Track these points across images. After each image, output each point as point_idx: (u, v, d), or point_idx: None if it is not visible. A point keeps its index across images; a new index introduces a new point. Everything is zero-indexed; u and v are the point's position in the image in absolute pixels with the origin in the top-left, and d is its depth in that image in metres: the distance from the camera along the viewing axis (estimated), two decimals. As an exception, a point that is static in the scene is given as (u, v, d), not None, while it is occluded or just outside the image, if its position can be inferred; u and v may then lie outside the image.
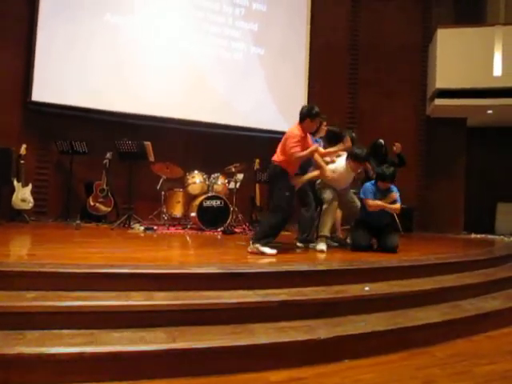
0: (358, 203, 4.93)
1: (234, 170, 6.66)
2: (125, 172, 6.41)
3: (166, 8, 7.55)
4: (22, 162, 6.20)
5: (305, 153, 4.32)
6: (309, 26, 8.76)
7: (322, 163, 4.51)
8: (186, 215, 6.65)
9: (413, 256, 4.58)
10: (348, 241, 5.15)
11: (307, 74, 8.70)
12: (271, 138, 7.71)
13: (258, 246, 4.14)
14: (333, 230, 5.21)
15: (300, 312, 2.82)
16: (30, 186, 6.22)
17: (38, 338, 2.23)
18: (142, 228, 5.85)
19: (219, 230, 6.21)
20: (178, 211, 6.62)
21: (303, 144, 4.36)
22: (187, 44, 7.69)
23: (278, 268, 3.37)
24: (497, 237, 8.28)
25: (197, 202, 6.26)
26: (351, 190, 5.16)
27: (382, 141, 6.39)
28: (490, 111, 8.52)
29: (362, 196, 4.86)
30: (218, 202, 6.31)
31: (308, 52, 8.74)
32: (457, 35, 8.32)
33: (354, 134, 5.05)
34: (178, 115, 7.50)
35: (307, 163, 4.68)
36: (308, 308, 2.87)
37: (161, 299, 2.65)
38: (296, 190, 4.45)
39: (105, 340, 2.26)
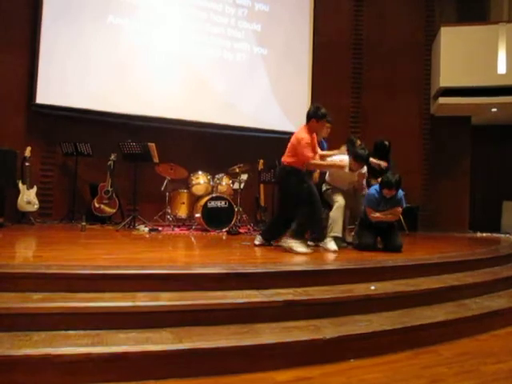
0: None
1: (238, 170, 6.67)
2: (129, 173, 6.43)
3: (169, 9, 7.57)
4: (26, 164, 6.22)
5: (320, 163, 4.51)
6: (312, 26, 8.76)
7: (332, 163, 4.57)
8: (190, 216, 6.66)
9: (418, 255, 4.57)
10: (352, 240, 5.15)
11: (311, 73, 8.70)
12: (275, 138, 7.75)
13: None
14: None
15: (305, 312, 2.82)
16: (35, 188, 6.25)
17: (45, 339, 2.24)
18: (147, 229, 5.87)
19: (224, 230, 6.22)
20: (182, 212, 6.63)
21: (312, 146, 4.40)
22: (190, 45, 7.70)
23: (284, 268, 3.37)
24: (502, 235, 8.25)
25: (201, 202, 6.27)
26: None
27: (387, 142, 6.22)
28: (494, 109, 8.48)
29: (365, 204, 4.80)
30: (223, 203, 6.32)
31: (311, 51, 8.73)
32: (460, 33, 8.29)
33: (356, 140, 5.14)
34: (182, 116, 7.51)
35: None
36: (313, 308, 2.87)
37: (167, 300, 2.65)
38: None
39: (111, 341, 2.27)
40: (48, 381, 2.07)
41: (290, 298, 2.87)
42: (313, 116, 4.41)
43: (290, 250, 4.25)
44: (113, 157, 6.61)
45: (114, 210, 6.65)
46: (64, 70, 6.80)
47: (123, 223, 6.08)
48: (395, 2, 9.12)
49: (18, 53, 6.71)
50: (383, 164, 5.69)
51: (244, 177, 6.83)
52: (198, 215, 6.32)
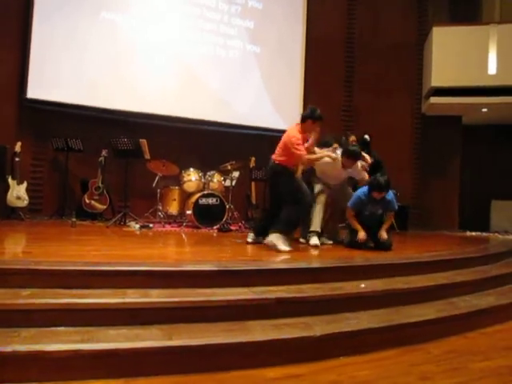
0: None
1: (229, 167, 6.66)
2: (120, 169, 6.39)
3: (162, 5, 7.53)
4: (16, 159, 6.16)
5: (314, 156, 4.53)
6: (305, 24, 8.76)
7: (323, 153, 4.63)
8: (181, 213, 6.64)
9: (408, 254, 4.60)
10: (343, 238, 5.16)
11: (303, 71, 8.70)
12: (267, 136, 7.75)
13: (278, 240, 4.22)
14: (333, 228, 5.25)
15: (296, 309, 2.83)
16: (25, 184, 6.19)
17: (34, 335, 2.22)
18: (138, 226, 5.84)
19: (215, 227, 6.21)
20: (173, 209, 6.61)
21: (302, 144, 4.44)
22: (183, 41, 7.67)
23: (274, 265, 3.38)
24: (491, 234, 8.33)
25: (193, 199, 6.25)
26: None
27: (367, 136, 6.50)
28: (484, 109, 8.56)
29: (349, 204, 4.79)
30: (214, 200, 6.31)
31: (304, 50, 8.74)
32: (452, 33, 8.35)
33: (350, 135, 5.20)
34: (174, 113, 7.48)
35: None
36: (304, 305, 2.89)
37: (157, 296, 2.65)
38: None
39: (101, 337, 2.26)
40: (37, 377, 2.05)
41: (281, 295, 2.88)
42: (309, 117, 4.46)
43: (273, 247, 4.23)
44: (104, 153, 6.56)
45: (105, 207, 6.61)
46: (55, 65, 6.73)
47: (114, 220, 6.05)
48: (388, 2, 9.15)
49: (8, 47, 6.61)
50: (367, 161, 5.67)
51: (236, 174, 6.82)
52: (189, 212, 6.30)
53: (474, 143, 9.61)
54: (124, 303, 2.52)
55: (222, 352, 2.33)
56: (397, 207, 4.89)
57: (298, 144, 4.35)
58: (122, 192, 6.32)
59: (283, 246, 4.21)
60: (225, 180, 6.75)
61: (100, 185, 6.56)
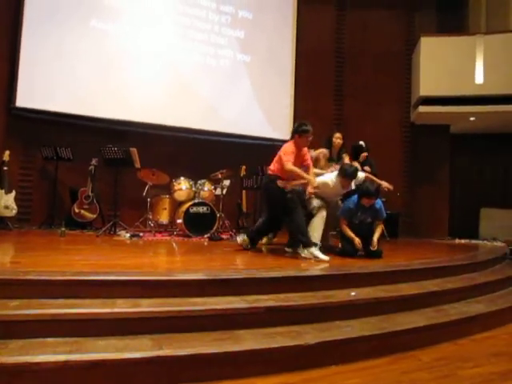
0: None
1: (220, 176, 6.66)
2: (110, 178, 6.36)
3: (152, 15, 7.56)
4: (5, 168, 6.12)
5: (296, 170, 4.52)
6: (295, 34, 8.85)
7: (309, 177, 4.62)
8: (172, 222, 6.62)
9: (398, 261, 4.62)
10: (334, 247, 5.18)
11: (293, 81, 8.77)
12: (257, 145, 7.79)
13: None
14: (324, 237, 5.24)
15: (287, 318, 2.82)
16: (13, 193, 6.14)
17: (22, 346, 2.19)
18: (128, 235, 5.80)
19: (206, 236, 6.19)
20: (164, 218, 6.59)
21: (297, 158, 4.58)
22: (173, 51, 7.70)
23: (265, 274, 3.37)
24: (480, 242, 8.40)
25: (183, 208, 6.23)
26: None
27: (362, 143, 6.46)
28: (472, 118, 8.67)
29: (339, 214, 4.83)
30: (205, 209, 6.30)
31: (294, 59, 8.81)
32: (440, 44, 8.47)
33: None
34: (164, 122, 7.48)
35: None
36: (295, 314, 2.88)
37: (147, 306, 2.63)
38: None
39: (90, 348, 2.24)
40: (25, 389, 2.02)
41: (272, 304, 2.87)
42: (295, 131, 4.64)
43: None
44: (94, 162, 6.54)
45: (95, 216, 6.57)
46: (45, 74, 6.72)
47: (104, 229, 6.01)
48: (377, 12, 9.28)
49: (-3, 55, 6.61)
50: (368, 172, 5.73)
51: (226, 183, 6.82)
52: (179, 221, 6.28)
53: (463, 151, 9.73)
54: (113, 313, 2.49)
55: (213, 362, 2.31)
56: (385, 215, 4.92)
57: (286, 153, 4.51)
58: (112, 201, 6.29)
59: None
60: (215, 189, 6.75)
61: (90, 194, 6.52)
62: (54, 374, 2.06)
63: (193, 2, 7.92)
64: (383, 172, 6.30)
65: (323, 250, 4.84)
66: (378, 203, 4.79)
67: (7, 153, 6.18)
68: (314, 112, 8.07)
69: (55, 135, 6.80)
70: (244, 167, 7.31)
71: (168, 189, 6.61)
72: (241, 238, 4.97)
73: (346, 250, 4.76)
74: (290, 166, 4.45)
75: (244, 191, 7.35)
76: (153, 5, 7.58)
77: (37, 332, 2.31)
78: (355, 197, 4.77)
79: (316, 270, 3.85)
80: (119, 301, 2.64)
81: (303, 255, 4.41)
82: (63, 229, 5.52)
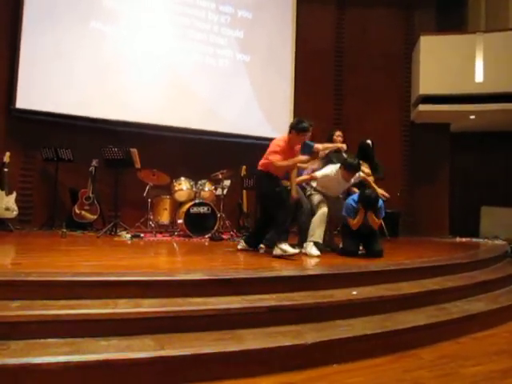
0: None
1: (220, 176, 6.67)
2: (111, 179, 6.37)
3: (152, 15, 7.56)
4: (5, 169, 6.12)
5: (285, 163, 4.47)
6: (294, 33, 8.85)
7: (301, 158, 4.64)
8: (173, 222, 6.63)
9: (399, 260, 4.61)
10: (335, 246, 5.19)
11: (293, 80, 8.77)
12: (258, 145, 7.74)
13: (281, 246, 4.25)
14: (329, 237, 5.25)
15: (288, 317, 2.82)
16: (14, 195, 6.14)
17: (23, 347, 2.19)
18: (129, 235, 5.81)
19: (207, 236, 6.20)
20: (164, 218, 6.59)
21: (286, 154, 4.51)
22: (173, 51, 7.70)
23: (266, 273, 3.37)
24: (481, 240, 8.39)
25: (184, 208, 6.24)
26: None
27: (369, 141, 6.24)
28: (472, 116, 8.67)
29: (344, 214, 4.82)
30: (205, 209, 6.30)
31: (294, 58, 8.81)
32: (439, 42, 8.47)
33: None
34: (164, 122, 7.49)
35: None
36: (296, 313, 2.88)
37: (148, 306, 2.63)
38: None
39: (91, 348, 2.24)
40: (26, 390, 2.03)
41: (273, 303, 2.87)
42: (293, 128, 4.52)
43: (282, 255, 4.24)
44: (94, 162, 6.54)
45: (95, 217, 6.57)
46: (45, 75, 6.72)
47: (104, 229, 6.01)
48: (377, 11, 9.28)
49: (-3, 57, 6.61)
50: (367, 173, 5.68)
51: (227, 183, 6.83)
52: (180, 221, 6.29)
53: (463, 150, 9.73)
54: (115, 314, 2.49)
55: (215, 361, 2.31)
56: (384, 214, 4.92)
57: (273, 151, 4.46)
58: (113, 202, 6.29)
59: (291, 249, 4.26)
60: (216, 189, 6.75)
61: (90, 195, 6.53)
62: (56, 374, 2.06)
63: (192, 3, 7.92)
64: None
65: (322, 247, 4.86)
66: (380, 202, 4.79)
67: (8, 154, 6.19)
68: (314, 111, 8.07)
69: (55, 136, 6.80)
70: (245, 167, 7.32)
71: (168, 189, 6.61)
72: (240, 246, 4.89)
73: (348, 249, 4.76)
74: (277, 163, 4.43)
75: (245, 191, 7.36)
76: (152, 5, 7.58)
77: (38, 333, 2.31)
78: (356, 195, 4.78)
79: (317, 270, 3.85)
80: (120, 301, 2.64)
81: (274, 252, 4.32)
82: (64, 230, 5.52)
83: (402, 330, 2.90)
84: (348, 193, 5.33)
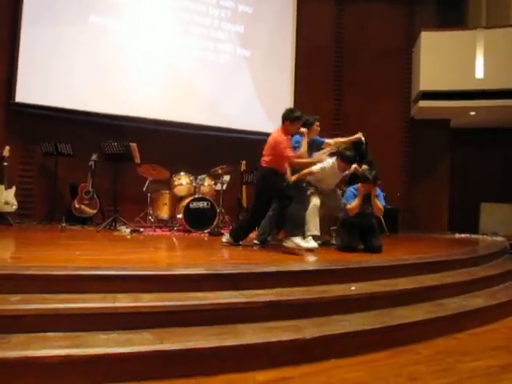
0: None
1: (220, 171, 6.67)
2: (110, 174, 6.37)
3: (152, 10, 7.54)
4: (5, 164, 6.12)
5: (305, 161, 4.63)
6: (295, 28, 8.82)
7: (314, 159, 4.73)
8: (172, 217, 6.63)
9: (397, 256, 4.63)
10: (333, 241, 5.20)
11: (293, 75, 8.76)
12: (257, 140, 7.71)
13: (295, 240, 4.31)
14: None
15: (286, 312, 2.84)
16: (13, 189, 6.14)
17: (23, 341, 2.20)
18: (128, 230, 5.82)
19: (206, 231, 6.20)
20: (164, 213, 6.60)
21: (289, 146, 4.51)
22: (173, 46, 7.68)
23: (265, 269, 3.38)
24: (480, 236, 8.41)
25: (183, 203, 6.24)
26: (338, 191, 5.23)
27: (362, 138, 6.30)
28: (472, 113, 8.66)
29: (344, 201, 4.85)
30: (205, 204, 6.31)
31: (294, 54, 8.79)
32: (440, 38, 8.45)
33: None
34: (164, 117, 7.48)
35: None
36: (294, 308, 2.89)
37: (148, 301, 2.64)
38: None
39: (91, 342, 2.25)
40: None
41: (271, 298, 2.88)
42: (287, 118, 4.53)
43: (297, 249, 4.30)
44: (94, 157, 6.54)
45: (95, 211, 6.58)
46: (44, 69, 6.71)
47: (104, 224, 6.02)
48: (377, 7, 9.25)
49: (-4, 51, 6.59)
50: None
51: (226, 178, 6.83)
52: (179, 216, 6.29)
53: (463, 146, 9.72)
54: (114, 308, 2.50)
55: (213, 355, 2.32)
56: (384, 203, 4.92)
57: (284, 147, 4.45)
58: (112, 196, 6.29)
59: (305, 243, 4.33)
60: (216, 184, 6.75)
61: (90, 189, 6.53)
62: (56, 368, 2.08)
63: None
64: (383, 167, 6.30)
65: (322, 238, 4.87)
66: (378, 191, 4.82)
67: (7, 148, 6.18)
68: (315, 106, 8.03)
69: (55, 131, 6.79)
70: (244, 162, 7.31)
71: (168, 184, 6.61)
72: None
73: (347, 245, 4.77)
74: (296, 160, 4.54)
75: (244, 186, 7.36)
76: (152, 0, 7.55)
77: (38, 327, 2.32)
78: (355, 186, 4.81)
79: (316, 265, 3.86)
80: (120, 295, 2.65)
81: (285, 245, 4.39)
82: (63, 224, 5.53)
83: (399, 326, 2.91)
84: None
